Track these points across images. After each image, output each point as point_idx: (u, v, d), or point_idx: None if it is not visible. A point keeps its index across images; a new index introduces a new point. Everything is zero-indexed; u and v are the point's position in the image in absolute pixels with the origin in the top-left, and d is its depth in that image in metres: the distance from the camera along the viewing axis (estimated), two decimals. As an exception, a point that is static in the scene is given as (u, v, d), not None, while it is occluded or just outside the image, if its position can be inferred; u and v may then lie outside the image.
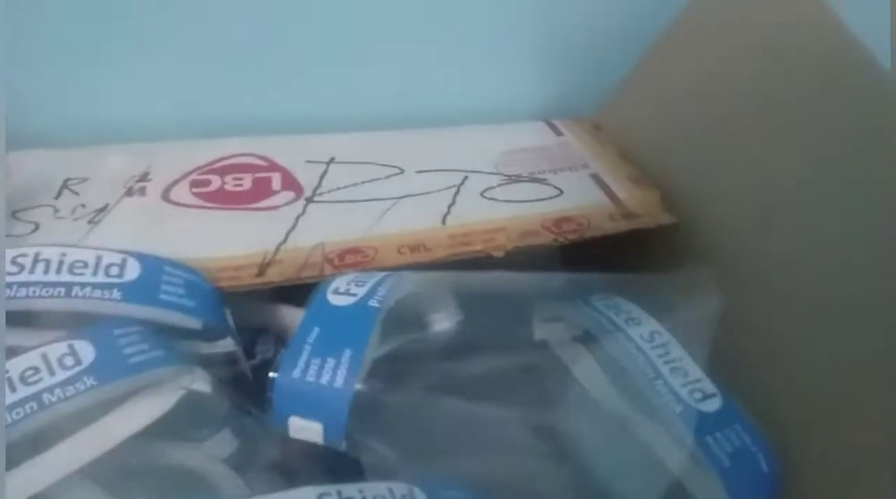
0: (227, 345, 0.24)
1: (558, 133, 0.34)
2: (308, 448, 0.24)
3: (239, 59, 0.32)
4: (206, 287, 0.24)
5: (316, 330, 0.21)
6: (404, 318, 0.23)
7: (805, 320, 0.25)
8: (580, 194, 0.30)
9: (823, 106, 0.25)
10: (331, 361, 0.20)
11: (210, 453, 0.23)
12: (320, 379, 0.20)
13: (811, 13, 0.25)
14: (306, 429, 0.20)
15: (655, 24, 0.31)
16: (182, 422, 0.22)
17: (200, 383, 0.22)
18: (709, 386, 0.23)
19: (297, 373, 0.20)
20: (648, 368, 0.23)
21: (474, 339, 0.24)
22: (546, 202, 0.29)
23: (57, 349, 0.19)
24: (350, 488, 0.19)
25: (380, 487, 0.20)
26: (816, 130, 0.25)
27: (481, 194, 0.30)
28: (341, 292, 0.23)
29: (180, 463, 0.23)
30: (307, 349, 0.20)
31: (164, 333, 0.22)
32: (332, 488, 0.19)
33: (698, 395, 0.23)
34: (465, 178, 0.30)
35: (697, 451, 0.22)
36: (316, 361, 0.20)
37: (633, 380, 0.24)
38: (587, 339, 0.26)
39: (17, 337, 0.20)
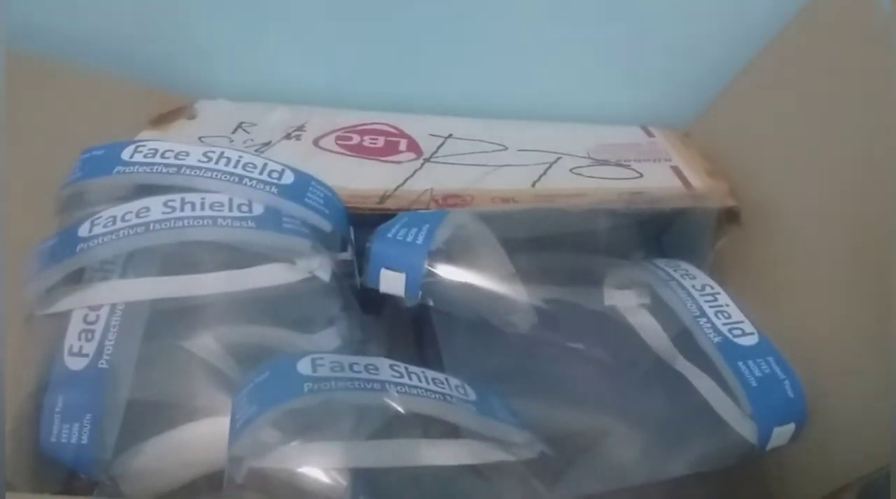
0: (346, 256, 0.30)
1: (650, 135, 0.38)
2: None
3: (399, 46, 0.39)
4: (338, 204, 0.29)
5: (405, 218, 0.27)
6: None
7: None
8: (658, 178, 0.33)
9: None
10: (413, 230, 0.26)
11: (317, 344, 0.29)
12: (406, 239, 0.26)
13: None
14: (393, 279, 0.26)
15: (746, 52, 0.36)
16: (299, 306, 0.28)
17: (322, 271, 0.27)
18: (749, 327, 0.26)
19: (388, 235, 0.26)
20: (695, 307, 0.27)
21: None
22: (626, 181, 0.33)
23: (238, 199, 0.26)
24: (415, 368, 0.24)
25: (439, 374, 0.24)
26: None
27: (570, 170, 0.34)
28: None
29: (289, 346, 0.27)
30: (396, 226, 0.27)
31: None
32: (402, 364, 0.24)
33: (737, 332, 0.26)
34: (559, 158, 0.35)
35: (729, 374, 0.25)
36: (402, 231, 0.26)
37: (679, 318, 0.27)
38: (647, 291, 0.29)
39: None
